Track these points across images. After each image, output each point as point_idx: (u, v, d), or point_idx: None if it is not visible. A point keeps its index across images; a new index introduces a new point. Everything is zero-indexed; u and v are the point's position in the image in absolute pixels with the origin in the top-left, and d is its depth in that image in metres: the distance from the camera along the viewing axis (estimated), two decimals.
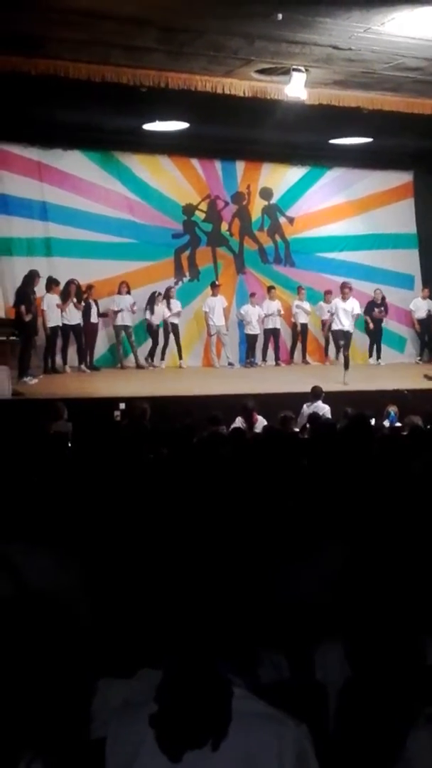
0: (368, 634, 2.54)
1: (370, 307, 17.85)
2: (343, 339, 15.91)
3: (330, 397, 12.28)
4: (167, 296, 17.10)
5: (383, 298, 18.22)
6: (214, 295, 17.48)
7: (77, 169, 17.13)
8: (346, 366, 15.25)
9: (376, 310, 17.89)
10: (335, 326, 16.07)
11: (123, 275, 16.97)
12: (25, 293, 14.42)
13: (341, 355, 16.12)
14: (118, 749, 2.08)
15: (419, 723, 2.19)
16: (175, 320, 17.11)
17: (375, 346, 18.26)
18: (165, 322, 17.01)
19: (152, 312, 16.85)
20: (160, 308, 16.93)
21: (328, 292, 18.01)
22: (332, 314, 16.28)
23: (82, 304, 15.90)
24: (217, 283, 17.73)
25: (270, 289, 18.09)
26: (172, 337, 17.16)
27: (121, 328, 16.64)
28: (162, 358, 17.16)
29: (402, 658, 2.49)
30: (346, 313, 15.69)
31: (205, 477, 5.44)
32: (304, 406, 12.00)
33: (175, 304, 17.15)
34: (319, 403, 11.97)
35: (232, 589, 2.27)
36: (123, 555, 3.44)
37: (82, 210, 17.11)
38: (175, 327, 17.12)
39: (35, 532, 3.53)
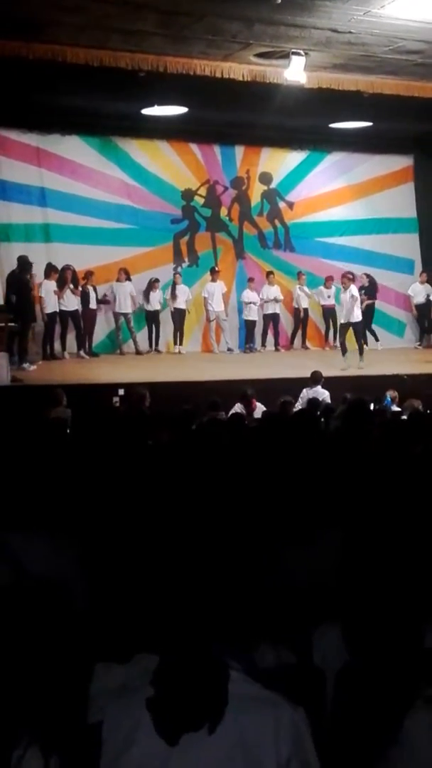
0: (366, 618, 2.54)
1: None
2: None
3: (329, 383, 12.27)
4: (174, 282, 17.12)
5: (372, 283, 17.96)
6: (213, 280, 17.47)
7: (76, 155, 17.09)
8: (361, 352, 15.18)
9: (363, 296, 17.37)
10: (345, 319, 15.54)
11: (122, 261, 16.97)
12: (18, 279, 14.32)
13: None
14: (114, 733, 2.09)
15: (417, 705, 2.19)
16: (182, 306, 17.13)
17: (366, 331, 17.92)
18: (172, 309, 17.09)
19: (147, 299, 16.88)
20: (157, 294, 16.95)
21: (329, 278, 17.97)
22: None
23: (80, 289, 15.90)
24: (216, 269, 17.72)
25: (269, 274, 18.08)
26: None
27: (120, 315, 16.65)
28: (178, 342, 17.25)
29: (400, 641, 2.49)
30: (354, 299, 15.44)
31: (204, 462, 5.44)
32: (304, 390, 12.00)
33: (182, 290, 17.16)
34: (319, 388, 11.97)
35: (230, 574, 2.27)
36: (121, 540, 3.44)
37: (81, 195, 17.08)
38: (182, 313, 17.14)
39: (34, 519, 3.53)
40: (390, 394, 11.69)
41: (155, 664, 2.08)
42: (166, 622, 2.11)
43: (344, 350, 15.18)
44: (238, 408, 10.85)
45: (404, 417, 8.96)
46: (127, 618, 2.75)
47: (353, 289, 15.44)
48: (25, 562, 3.25)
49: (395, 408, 11.02)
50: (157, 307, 17.02)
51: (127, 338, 16.92)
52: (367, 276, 17.97)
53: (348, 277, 15.51)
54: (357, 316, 15.30)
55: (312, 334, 18.45)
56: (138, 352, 16.76)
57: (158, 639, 2.12)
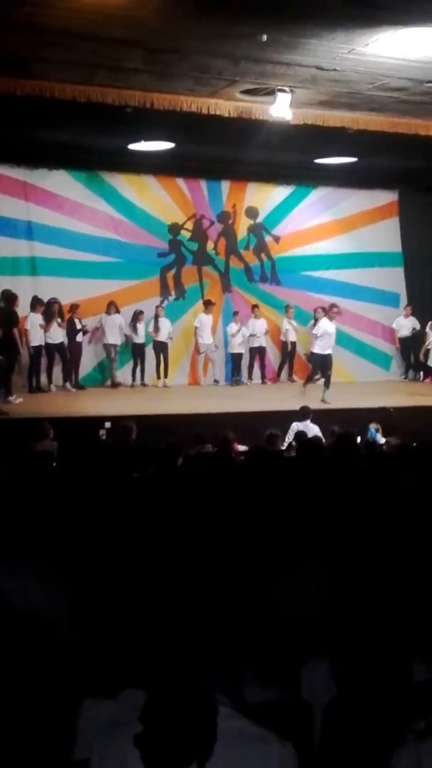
0: (354, 653, 2.53)
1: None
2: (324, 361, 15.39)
3: (315, 416, 12.28)
4: (156, 316, 17.17)
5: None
6: (207, 312, 17.54)
7: (63, 189, 17.17)
8: (327, 385, 15.13)
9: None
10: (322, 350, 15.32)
11: (109, 294, 17.02)
12: (4, 312, 14.28)
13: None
14: None
15: (407, 739, 2.18)
16: (164, 339, 17.16)
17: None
18: (154, 341, 17.11)
19: (135, 330, 16.92)
20: (143, 327, 16.98)
21: (324, 310, 17.96)
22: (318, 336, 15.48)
23: (66, 323, 15.92)
24: (211, 301, 17.79)
25: (254, 307, 18.18)
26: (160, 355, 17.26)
27: (110, 347, 16.67)
28: (159, 377, 17.23)
29: (388, 676, 2.48)
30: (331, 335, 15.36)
31: (189, 496, 5.42)
32: (294, 424, 11.99)
33: (164, 323, 17.20)
34: (308, 422, 11.97)
35: (217, 608, 2.26)
36: (108, 575, 3.42)
37: (68, 229, 17.13)
38: (164, 346, 17.16)
39: (20, 552, 3.51)
40: (373, 426, 11.70)
41: (143, 700, 2.07)
42: (153, 657, 2.10)
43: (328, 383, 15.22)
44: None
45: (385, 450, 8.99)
46: (114, 653, 2.73)
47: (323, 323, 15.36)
48: (11, 596, 3.22)
49: (381, 439, 11.04)
50: (143, 339, 17.05)
51: (118, 368, 16.99)
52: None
53: (336, 309, 15.57)
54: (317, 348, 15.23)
55: (299, 367, 18.47)
56: (115, 385, 16.76)
57: (146, 674, 2.11)
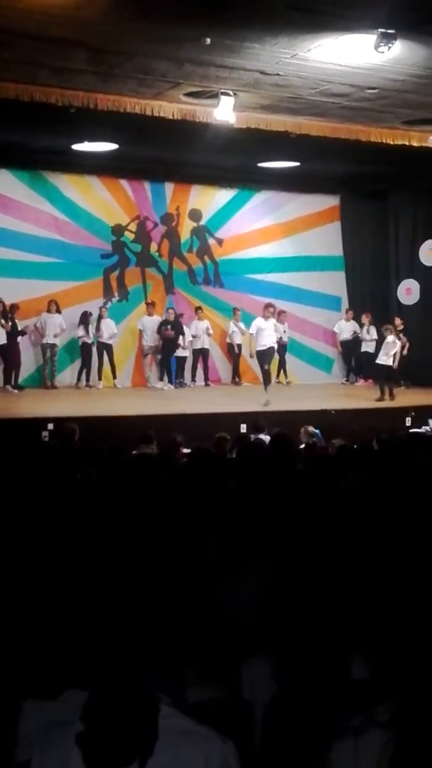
0: (294, 653, 2.57)
1: (160, 326, 17.37)
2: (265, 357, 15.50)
3: (257, 418, 12.32)
4: (99, 317, 17.12)
5: (176, 317, 17.60)
6: (149, 314, 17.54)
7: (5, 189, 17.04)
8: (267, 383, 15.22)
9: (163, 328, 17.31)
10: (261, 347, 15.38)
11: (51, 295, 16.92)
12: None
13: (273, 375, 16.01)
14: None
15: (345, 736, 2.22)
16: (108, 341, 17.11)
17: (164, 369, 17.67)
18: (98, 343, 17.06)
19: (86, 331, 16.85)
20: (92, 328, 16.93)
21: (281, 312, 18.14)
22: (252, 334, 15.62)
23: (10, 323, 15.77)
24: (153, 302, 17.78)
25: (197, 309, 18.22)
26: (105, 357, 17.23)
27: (47, 347, 16.56)
28: (99, 378, 17.19)
29: (326, 675, 2.53)
30: (266, 332, 15.35)
31: (134, 497, 5.42)
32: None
33: (108, 325, 17.13)
34: (261, 436, 11.92)
35: (159, 608, 2.28)
36: (49, 575, 3.41)
37: (10, 229, 16.99)
38: (108, 347, 17.10)
39: None
40: (310, 429, 11.67)
41: (85, 700, 2.07)
42: (95, 657, 2.10)
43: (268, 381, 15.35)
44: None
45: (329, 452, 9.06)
46: (55, 654, 2.73)
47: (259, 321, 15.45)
48: None
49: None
50: (89, 340, 16.98)
51: (61, 369, 16.91)
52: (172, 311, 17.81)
53: (272, 308, 15.74)
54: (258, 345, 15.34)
55: (244, 369, 18.53)
56: (53, 386, 16.64)
57: (87, 674, 2.11)
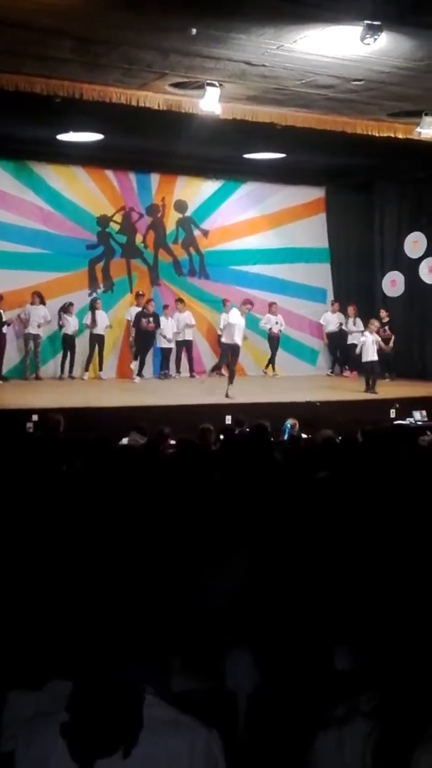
0: (276, 642, 2.58)
1: (138, 317, 17.04)
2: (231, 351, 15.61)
3: (239, 410, 12.34)
4: (92, 308, 17.12)
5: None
6: (138, 305, 17.45)
7: None
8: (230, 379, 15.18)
9: (144, 320, 16.96)
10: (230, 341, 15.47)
11: (36, 286, 16.87)
12: None
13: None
14: (28, 760, 2.07)
15: (329, 725, 2.23)
16: (101, 332, 17.14)
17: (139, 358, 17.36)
18: (92, 335, 17.06)
19: (65, 322, 16.84)
20: (72, 319, 16.90)
21: (272, 304, 18.14)
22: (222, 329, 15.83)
23: None
24: (141, 293, 17.70)
25: (178, 301, 18.16)
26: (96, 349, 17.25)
27: (30, 337, 16.51)
28: (86, 370, 17.21)
29: (310, 665, 2.54)
30: (236, 327, 15.38)
31: (119, 489, 5.43)
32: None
33: (101, 316, 17.14)
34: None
35: (143, 598, 2.28)
36: (33, 566, 3.41)
37: None
38: (101, 339, 17.12)
39: None
40: (290, 421, 11.70)
41: (69, 690, 2.08)
42: (79, 647, 2.11)
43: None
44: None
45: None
46: (39, 644, 2.73)
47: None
48: None
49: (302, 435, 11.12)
50: (73, 331, 16.94)
51: (45, 361, 16.89)
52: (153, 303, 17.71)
53: (249, 302, 15.89)
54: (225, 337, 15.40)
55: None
56: (37, 377, 16.61)
57: (72, 664, 2.12)
